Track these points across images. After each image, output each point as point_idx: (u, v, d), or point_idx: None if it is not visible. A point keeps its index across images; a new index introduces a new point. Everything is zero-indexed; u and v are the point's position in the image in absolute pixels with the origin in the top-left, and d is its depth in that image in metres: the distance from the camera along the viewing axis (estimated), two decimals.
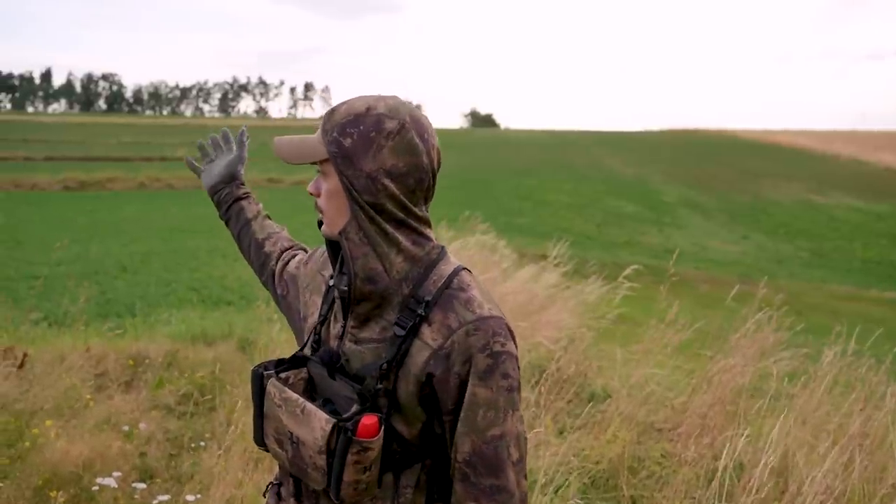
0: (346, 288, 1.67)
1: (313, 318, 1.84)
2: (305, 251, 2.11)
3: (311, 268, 1.95)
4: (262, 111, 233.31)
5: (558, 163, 54.80)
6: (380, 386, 1.62)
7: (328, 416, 1.60)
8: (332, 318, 1.77)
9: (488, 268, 9.09)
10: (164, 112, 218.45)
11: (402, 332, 1.61)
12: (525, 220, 27.62)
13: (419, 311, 1.61)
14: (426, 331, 1.60)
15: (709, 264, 23.29)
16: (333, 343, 1.75)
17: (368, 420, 1.58)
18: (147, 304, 10.87)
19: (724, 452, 3.89)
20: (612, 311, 7.40)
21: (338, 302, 1.74)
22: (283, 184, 37.47)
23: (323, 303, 1.81)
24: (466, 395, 1.59)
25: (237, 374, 6.18)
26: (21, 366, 5.23)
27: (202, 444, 4.77)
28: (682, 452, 4.65)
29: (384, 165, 1.58)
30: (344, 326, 1.73)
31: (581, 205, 34.73)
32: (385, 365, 1.61)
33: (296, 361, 1.77)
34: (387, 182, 1.58)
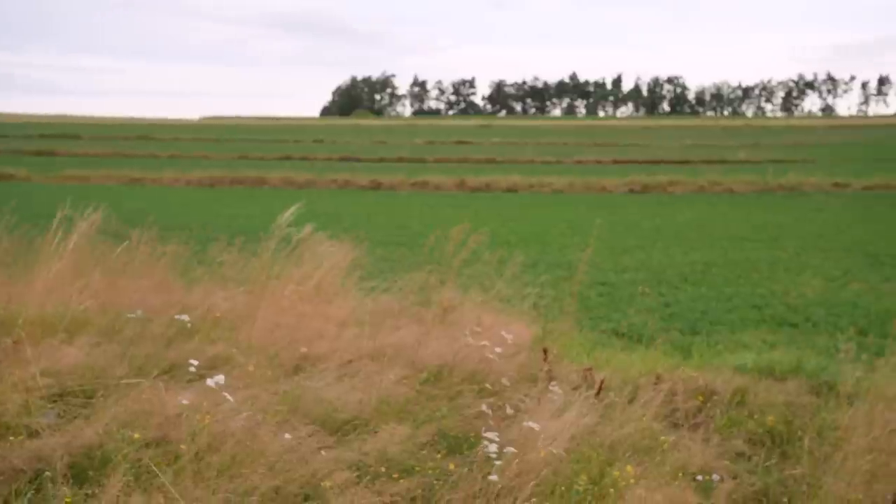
0: None
1: None
2: None
3: None
4: (827, 109, 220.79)
5: None
6: None
7: None
8: None
9: None
10: (725, 113, 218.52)
11: None
12: None
13: None
14: None
15: None
16: None
17: None
18: (709, 321, 10.78)
19: None
20: None
21: None
22: (851, 188, 35.20)
23: None
24: None
25: (809, 419, 5.71)
26: (598, 392, 5.44)
27: None
28: None
29: None
30: None
31: None
32: None
33: None
34: None
